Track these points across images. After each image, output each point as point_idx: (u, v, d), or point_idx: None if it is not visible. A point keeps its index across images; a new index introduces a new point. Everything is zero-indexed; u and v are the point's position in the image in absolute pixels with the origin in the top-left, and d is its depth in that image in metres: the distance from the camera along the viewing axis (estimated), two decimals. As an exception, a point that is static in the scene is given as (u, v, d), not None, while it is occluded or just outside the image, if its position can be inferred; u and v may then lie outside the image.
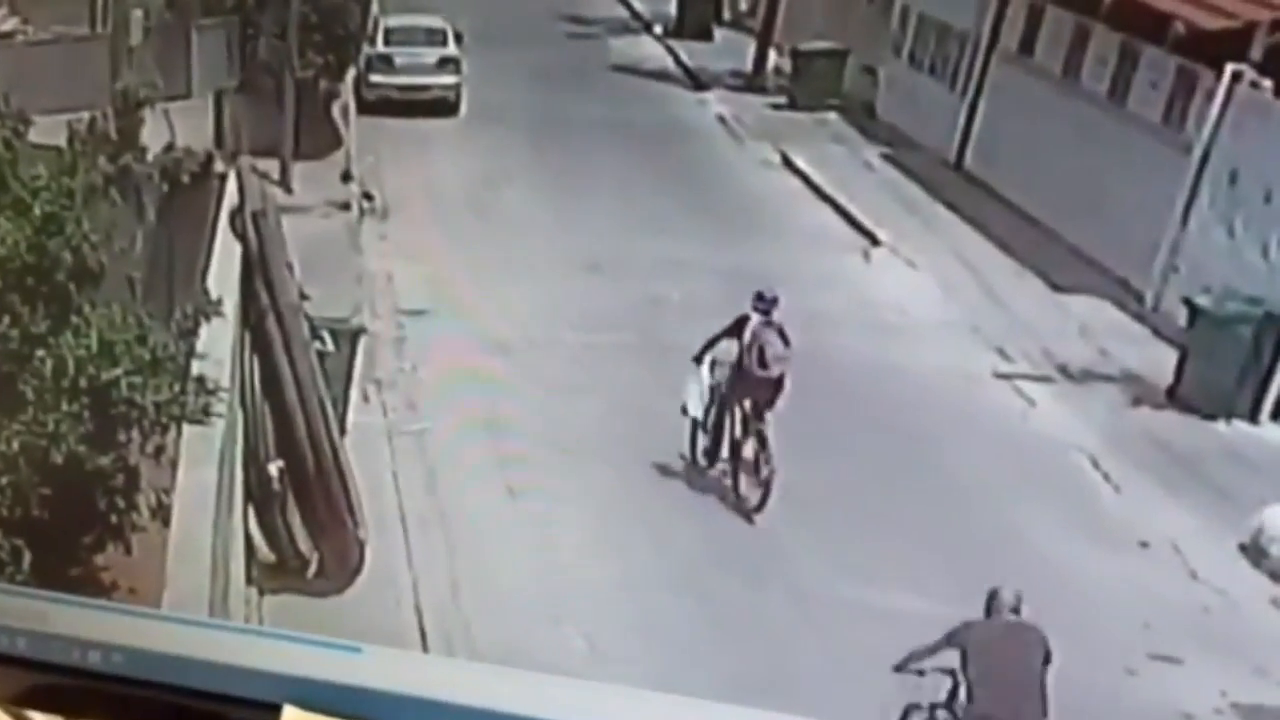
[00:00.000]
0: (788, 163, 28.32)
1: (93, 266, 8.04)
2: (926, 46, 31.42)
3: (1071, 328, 20.50)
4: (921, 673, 11.62)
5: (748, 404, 14.97)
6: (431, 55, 34.15)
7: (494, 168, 26.19)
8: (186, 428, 8.14)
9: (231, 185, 12.11)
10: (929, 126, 29.57)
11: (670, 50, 41.99)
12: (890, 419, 17.38)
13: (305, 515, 12.15)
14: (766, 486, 14.73)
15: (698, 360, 15.26)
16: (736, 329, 15.76)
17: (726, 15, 44.18)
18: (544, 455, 15.65)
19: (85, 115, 9.87)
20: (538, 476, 15.14)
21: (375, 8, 31.78)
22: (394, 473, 14.92)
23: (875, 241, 24.10)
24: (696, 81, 40.06)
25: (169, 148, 12.88)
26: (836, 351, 19.27)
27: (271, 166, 23.22)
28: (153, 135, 16.88)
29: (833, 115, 35.59)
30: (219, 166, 13.12)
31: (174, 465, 8.09)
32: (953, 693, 11.57)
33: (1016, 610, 11.70)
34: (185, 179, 12.43)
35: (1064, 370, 19.15)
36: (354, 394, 15.15)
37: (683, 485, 15.23)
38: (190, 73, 24.21)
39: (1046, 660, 11.46)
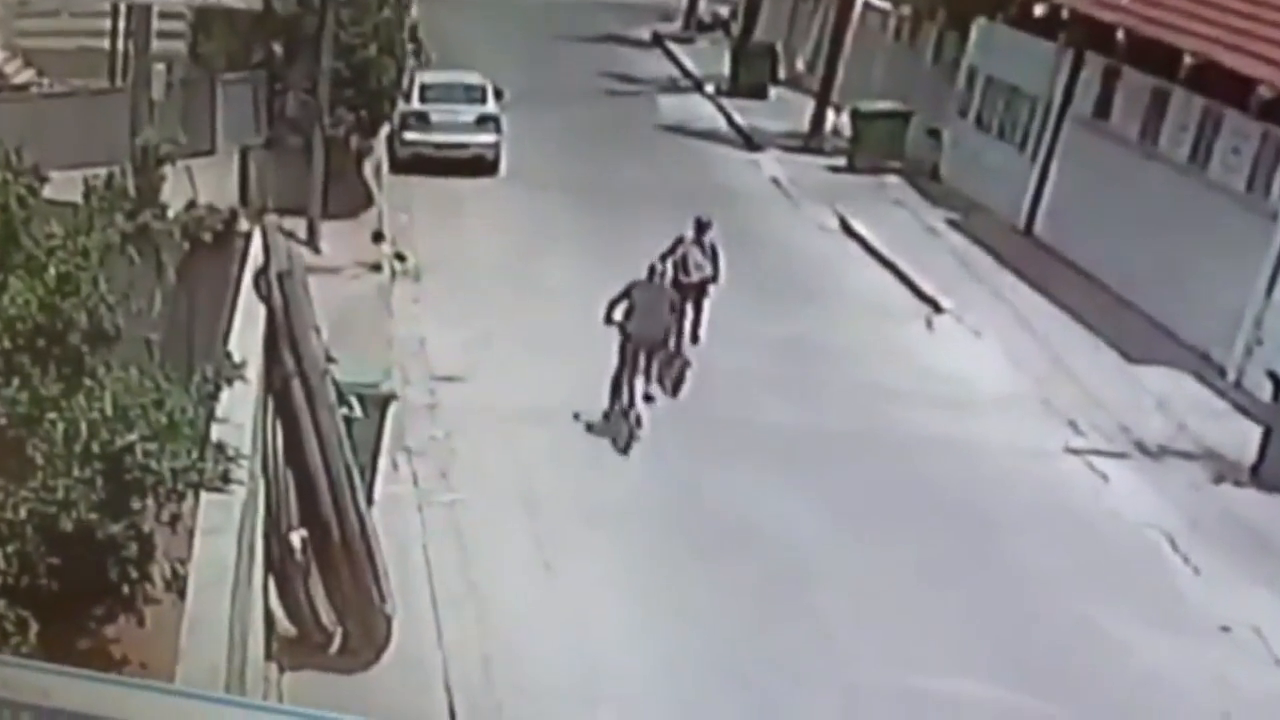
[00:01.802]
0: (846, 227, 29.73)
1: (108, 328, 8.08)
2: (995, 108, 32.23)
3: (1148, 402, 20.77)
4: (611, 320, 18.11)
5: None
6: (470, 113, 34.37)
7: (533, 230, 27.59)
8: (204, 495, 8.15)
9: (256, 245, 12.21)
10: (997, 190, 30.73)
11: (722, 110, 42.24)
12: (953, 497, 17.48)
13: (329, 588, 12.20)
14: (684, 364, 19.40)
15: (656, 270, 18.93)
16: (672, 249, 20.17)
17: (782, 74, 44.58)
18: (583, 530, 15.79)
19: (103, 171, 9.99)
20: (576, 552, 15.21)
21: (411, 63, 32.16)
22: (424, 545, 15.02)
23: (939, 309, 24.75)
24: (749, 142, 40.00)
25: (190, 205, 13.01)
26: (896, 425, 19.50)
27: (299, 226, 23.83)
28: (174, 192, 17.04)
29: (894, 178, 33.64)
30: (243, 225, 13.23)
31: (190, 534, 8.10)
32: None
33: (660, 276, 18.81)
34: (207, 238, 12.55)
35: (1140, 446, 19.24)
36: (383, 462, 15.29)
37: (729, 565, 15.20)
38: (214, 128, 24.50)
39: (672, 309, 18.83)
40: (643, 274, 18.70)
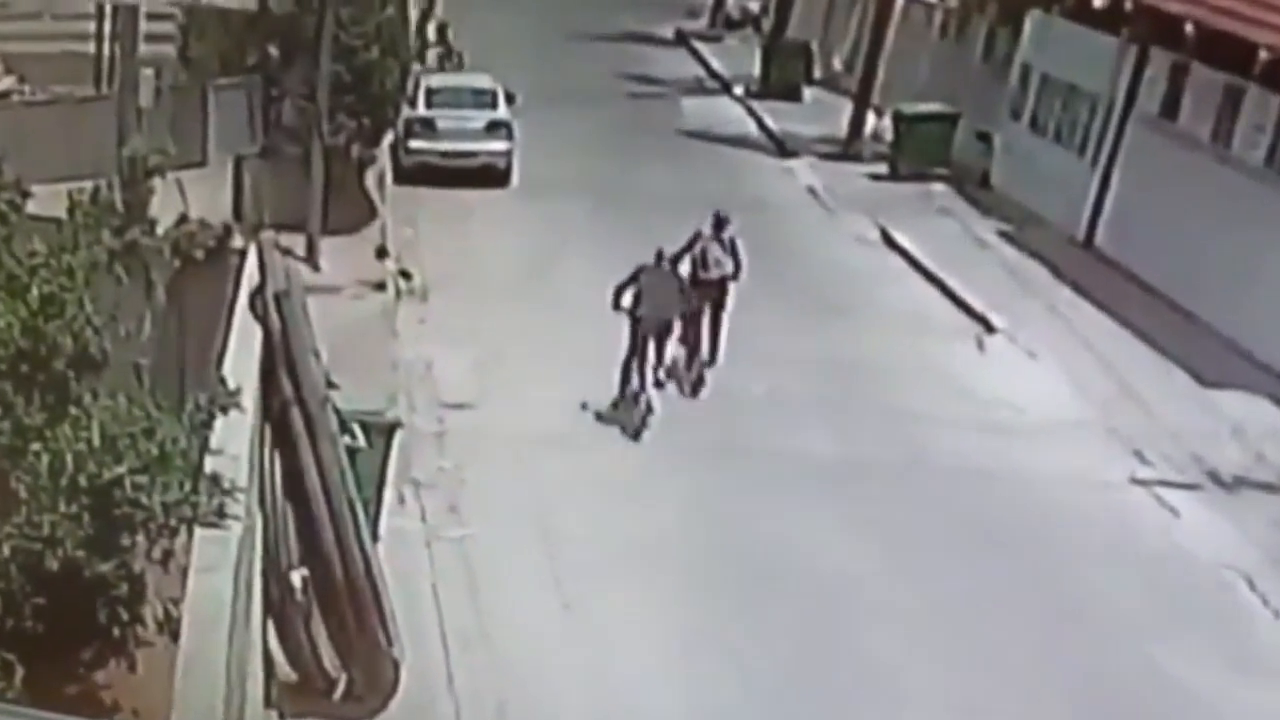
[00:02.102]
0: (887, 239, 29.77)
1: (95, 352, 8.19)
2: (1051, 109, 32.06)
3: (1223, 428, 20.65)
4: (619, 305, 19.64)
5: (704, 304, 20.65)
6: (479, 119, 34.51)
7: (548, 245, 27.52)
8: (198, 531, 8.26)
9: (251, 262, 12.35)
10: (1054, 198, 30.53)
11: (752, 113, 42.33)
12: (1008, 532, 17.45)
13: (332, 630, 12.29)
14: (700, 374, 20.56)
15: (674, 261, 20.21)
16: (690, 244, 21.04)
17: (818, 74, 44.61)
18: (605, 566, 15.86)
19: (88, 185, 10.13)
20: (596, 590, 15.28)
21: (416, 66, 32.35)
22: (433, 584, 15.16)
23: (990, 328, 24.72)
24: (782, 148, 39.88)
25: (181, 220, 13.16)
26: (944, 454, 19.50)
27: (297, 242, 23.98)
28: (163, 206, 17.20)
29: (940, 186, 33.59)
30: (238, 241, 13.40)
31: (184, 573, 8.20)
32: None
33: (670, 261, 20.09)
34: (199, 255, 12.68)
35: (1214, 477, 19.16)
36: (388, 495, 15.40)
37: (766, 602, 15.27)
38: (206, 137, 24.65)
39: (680, 292, 20.08)
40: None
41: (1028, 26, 32.34)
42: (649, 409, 19.21)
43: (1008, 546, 16.86)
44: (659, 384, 19.88)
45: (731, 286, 21.31)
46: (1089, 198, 28.78)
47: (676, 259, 20.41)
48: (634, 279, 19.71)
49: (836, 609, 15.30)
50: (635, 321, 19.64)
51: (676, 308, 19.96)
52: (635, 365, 19.61)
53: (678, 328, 20.22)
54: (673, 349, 20.27)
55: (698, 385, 20.50)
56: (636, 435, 18.99)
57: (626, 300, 19.65)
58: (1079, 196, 28.93)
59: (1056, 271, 26.78)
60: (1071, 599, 15.93)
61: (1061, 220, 29.34)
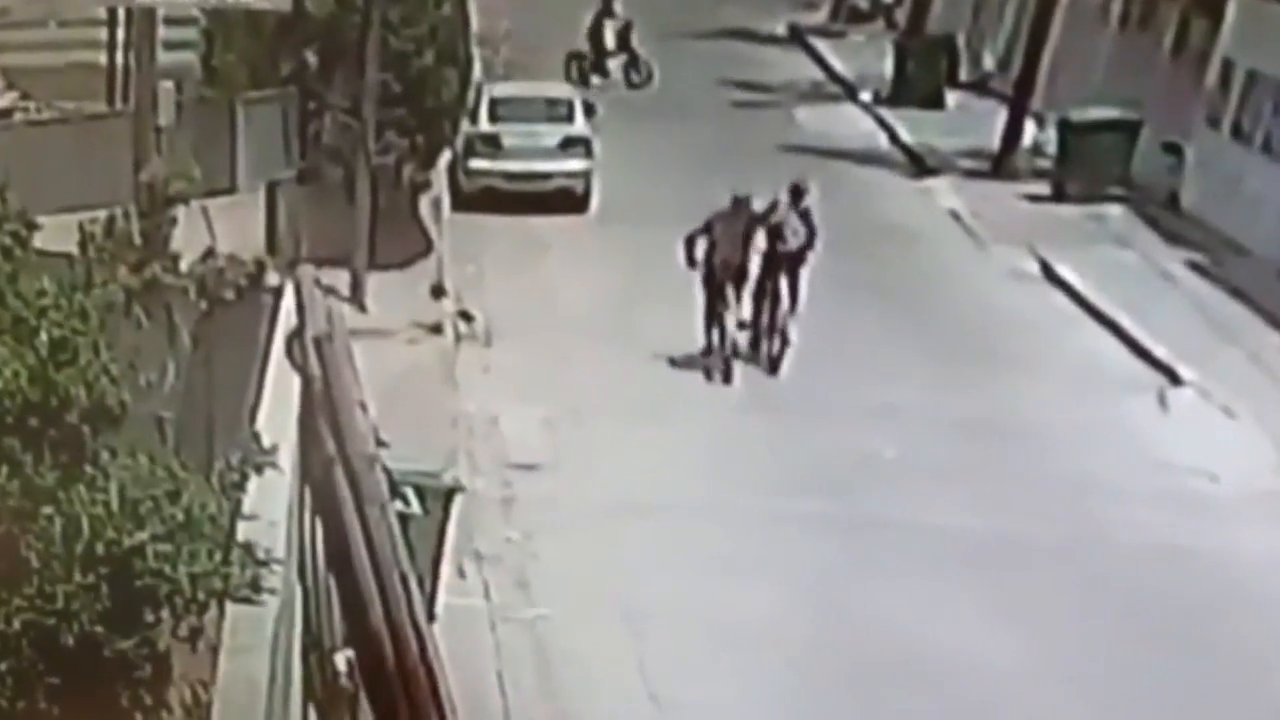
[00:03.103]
0: (1049, 273, 29.69)
1: (112, 404, 8.43)
2: (1260, 115, 31.23)
3: None
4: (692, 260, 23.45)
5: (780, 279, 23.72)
6: (552, 135, 34.63)
7: (632, 283, 27.65)
8: (230, 606, 8.50)
9: (288, 302, 12.63)
10: (1260, 224, 29.91)
11: (883, 123, 42.03)
12: (1196, 626, 17.25)
13: (381, 723, 12.55)
14: (784, 342, 23.48)
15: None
16: (766, 215, 24.21)
17: (964, 75, 44.12)
18: (701, 654, 16.03)
19: (103, 215, 10.47)
20: (687, 681, 15.47)
21: (478, 72, 32.48)
22: (499, 672, 15.48)
23: (1176, 380, 24.53)
24: (920, 164, 39.54)
25: (208, 255, 13.53)
26: (1117, 530, 19.41)
27: (340, 278, 24.70)
28: (187, 239, 17.65)
29: (1116, 209, 33.35)
30: (272, 279, 13.71)
31: (214, 653, 8.47)
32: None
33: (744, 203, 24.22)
34: (229, 294, 13.01)
35: None
36: (446, 569, 15.70)
37: (892, 700, 15.36)
38: (235, 160, 25.07)
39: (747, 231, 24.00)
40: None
41: (1231, 13, 31.59)
42: (735, 351, 22.95)
43: (1197, 643, 16.78)
44: (742, 325, 23.56)
45: (810, 256, 23.99)
46: None
47: (752, 225, 24.07)
48: (707, 229, 23.36)
49: (975, 708, 15.42)
50: (710, 271, 23.24)
51: (744, 250, 23.73)
52: (716, 313, 23.18)
53: (754, 278, 23.82)
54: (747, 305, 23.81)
55: (778, 361, 23.55)
56: (726, 379, 22.48)
57: (699, 252, 23.19)
58: None
59: (1261, 312, 26.22)
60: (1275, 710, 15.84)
61: (1269, 250, 28.54)
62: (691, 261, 23.33)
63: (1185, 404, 23.07)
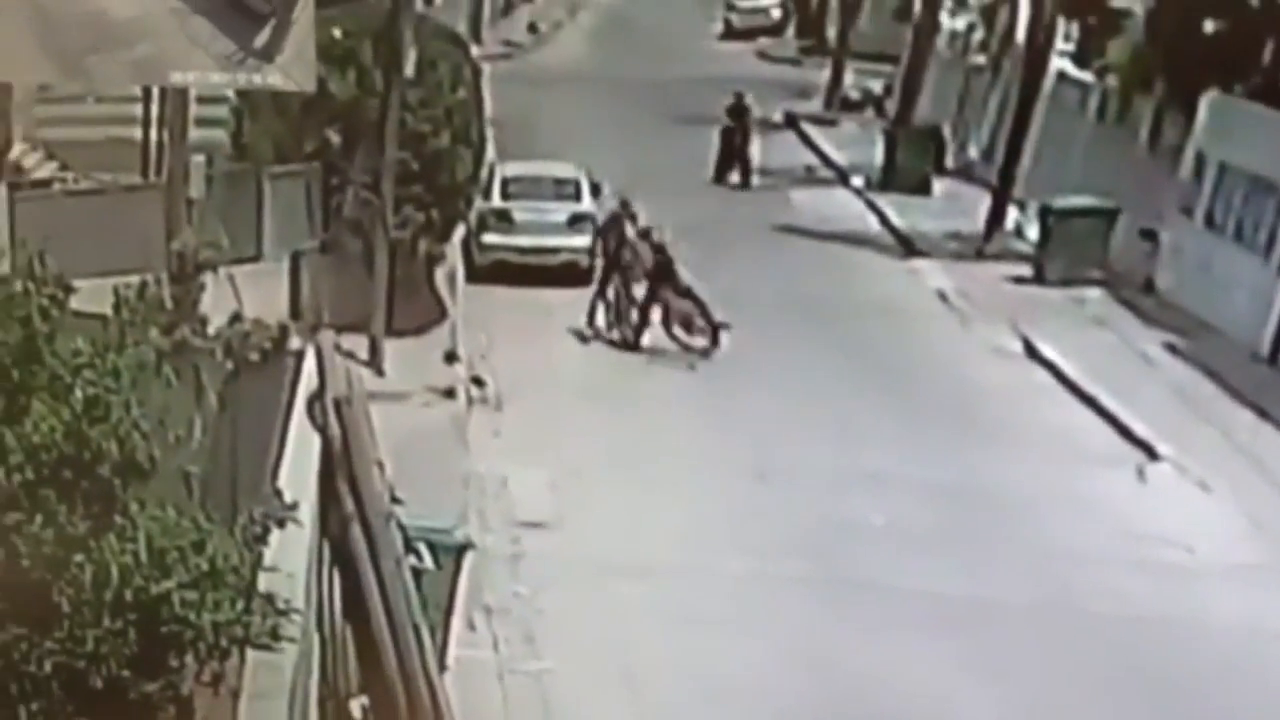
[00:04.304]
0: (1031, 351, 29.71)
1: (142, 459, 8.44)
2: (1230, 205, 31.28)
3: None
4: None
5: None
6: (560, 211, 34.83)
7: (635, 353, 27.72)
8: (251, 654, 8.50)
9: (310, 365, 12.66)
10: (1232, 307, 29.99)
11: (873, 206, 42.22)
12: (1170, 693, 17.02)
13: (393, 767, 12.50)
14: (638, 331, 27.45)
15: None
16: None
17: (950, 162, 44.41)
18: (692, 709, 16.00)
19: (135, 280, 10.47)
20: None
21: (491, 152, 32.66)
22: (505, 720, 15.40)
23: (1153, 455, 24.40)
24: (908, 246, 39.69)
25: (235, 319, 13.52)
26: (1095, 600, 19.19)
27: (359, 344, 24.82)
28: (215, 304, 17.62)
29: (1095, 291, 33.49)
30: (295, 342, 13.71)
31: (235, 697, 8.48)
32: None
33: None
34: (254, 357, 13.00)
35: None
36: (457, 622, 15.64)
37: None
38: (261, 230, 25.18)
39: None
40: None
41: (1203, 109, 31.76)
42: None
43: (1164, 707, 16.67)
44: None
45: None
46: (1275, 306, 28.09)
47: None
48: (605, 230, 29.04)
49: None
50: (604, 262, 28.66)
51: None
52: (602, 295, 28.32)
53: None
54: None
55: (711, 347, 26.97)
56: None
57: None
58: (1262, 305, 28.24)
59: (1234, 391, 26.23)
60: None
61: (1240, 332, 28.57)
62: (605, 253, 28.79)
63: (1162, 478, 23.03)
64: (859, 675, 16.86)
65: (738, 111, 42.68)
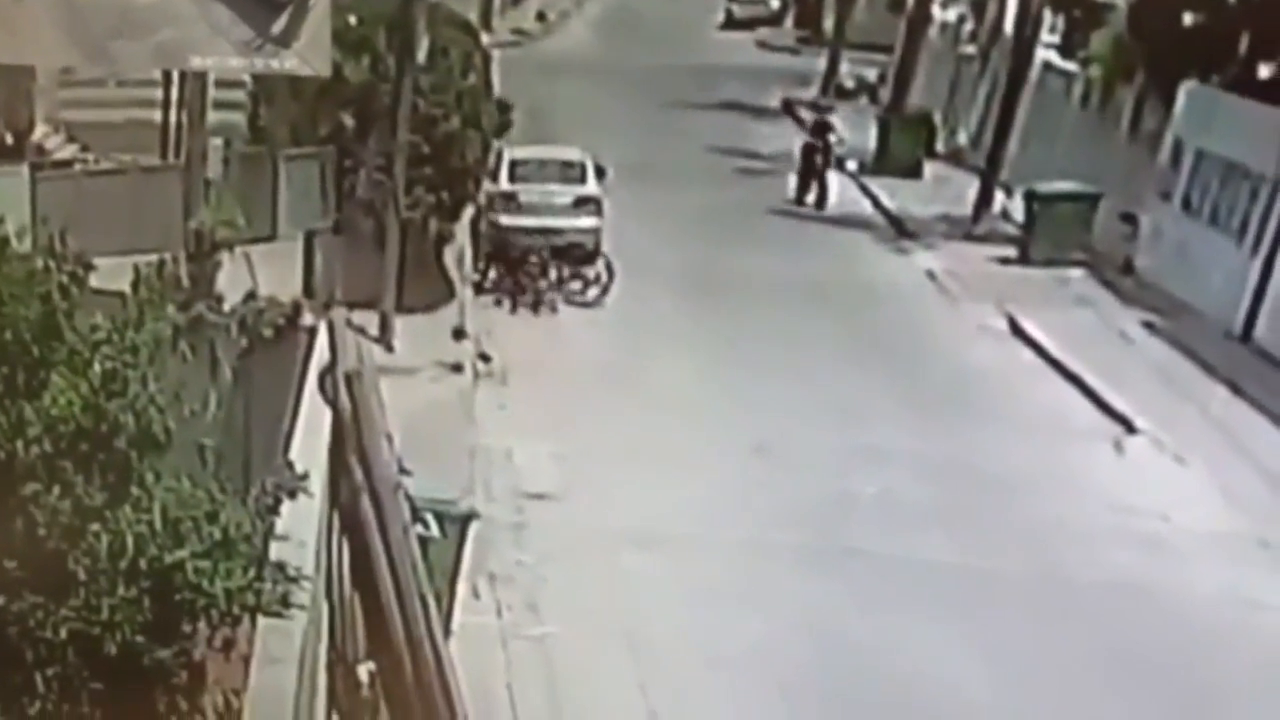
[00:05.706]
0: (1016, 329, 29.66)
1: (158, 432, 8.40)
2: (1207, 189, 31.31)
3: (1401, 547, 20.99)
4: None
5: None
6: (566, 193, 34.68)
7: (638, 328, 28.09)
8: (262, 620, 8.45)
9: (322, 341, 12.61)
10: (1207, 287, 29.98)
11: (867, 190, 42.26)
12: (1149, 656, 17.09)
13: (399, 729, 12.45)
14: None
15: None
16: None
17: (940, 148, 44.47)
18: (698, 675, 15.93)
19: (154, 258, 10.40)
20: (689, 701, 15.35)
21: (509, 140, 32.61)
22: (509, 685, 15.35)
23: (1131, 429, 24.38)
24: (900, 228, 39.63)
25: (249, 296, 13.47)
26: (1079, 568, 19.23)
27: (370, 320, 24.67)
28: (231, 282, 17.61)
29: (1077, 272, 33.48)
30: (308, 319, 13.66)
31: (246, 663, 8.43)
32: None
33: None
34: (268, 333, 12.95)
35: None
36: (462, 589, 15.58)
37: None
38: (276, 210, 25.13)
39: None
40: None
41: (1181, 98, 31.86)
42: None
43: (1149, 671, 16.66)
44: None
45: None
46: (1248, 287, 28.10)
47: None
48: None
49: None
50: None
51: None
52: None
53: None
54: None
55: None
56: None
57: None
58: (1236, 285, 28.28)
59: (1209, 368, 26.25)
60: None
61: (1216, 311, 28.63)
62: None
63: (1140, 451, 23.03)
64: (852, 643, 16.80)
65: (820, 128, 39.71)
